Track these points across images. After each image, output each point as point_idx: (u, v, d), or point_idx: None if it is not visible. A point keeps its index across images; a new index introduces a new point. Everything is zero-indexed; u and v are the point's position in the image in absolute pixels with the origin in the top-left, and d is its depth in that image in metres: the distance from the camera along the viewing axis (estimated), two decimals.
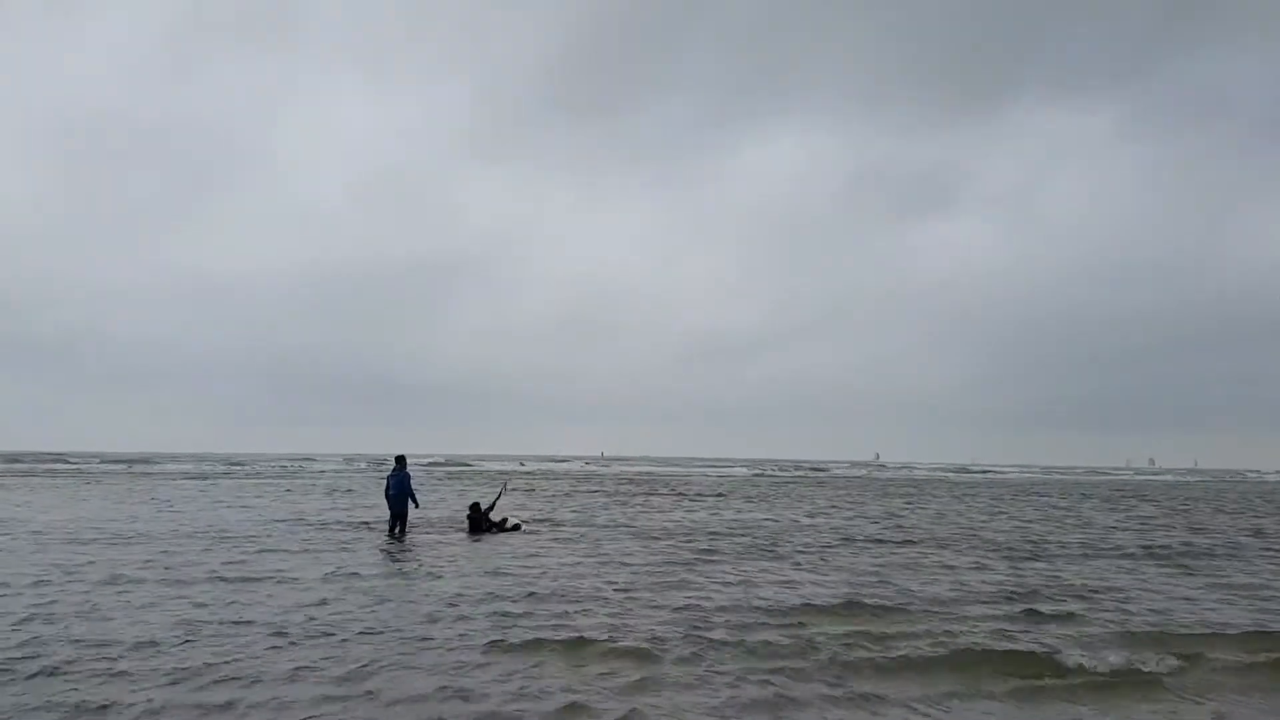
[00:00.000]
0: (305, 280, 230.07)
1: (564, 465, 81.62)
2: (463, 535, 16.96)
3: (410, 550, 14.62)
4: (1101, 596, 10.70)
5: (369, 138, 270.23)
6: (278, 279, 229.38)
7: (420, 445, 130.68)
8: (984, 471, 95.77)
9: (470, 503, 18.84)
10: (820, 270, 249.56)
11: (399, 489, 16.75)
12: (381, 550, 14.55)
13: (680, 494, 35.75)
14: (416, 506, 17.29)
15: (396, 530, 16.59)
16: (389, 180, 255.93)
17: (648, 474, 67.36)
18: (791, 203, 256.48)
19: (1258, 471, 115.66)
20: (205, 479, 44.11)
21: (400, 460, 16.88)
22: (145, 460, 73.65)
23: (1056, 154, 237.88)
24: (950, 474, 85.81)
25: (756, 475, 69.04)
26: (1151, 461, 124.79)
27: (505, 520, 17.85)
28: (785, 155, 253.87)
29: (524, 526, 18.00)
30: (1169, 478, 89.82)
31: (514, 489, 20.34)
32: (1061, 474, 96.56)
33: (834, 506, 28.71)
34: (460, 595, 9.97)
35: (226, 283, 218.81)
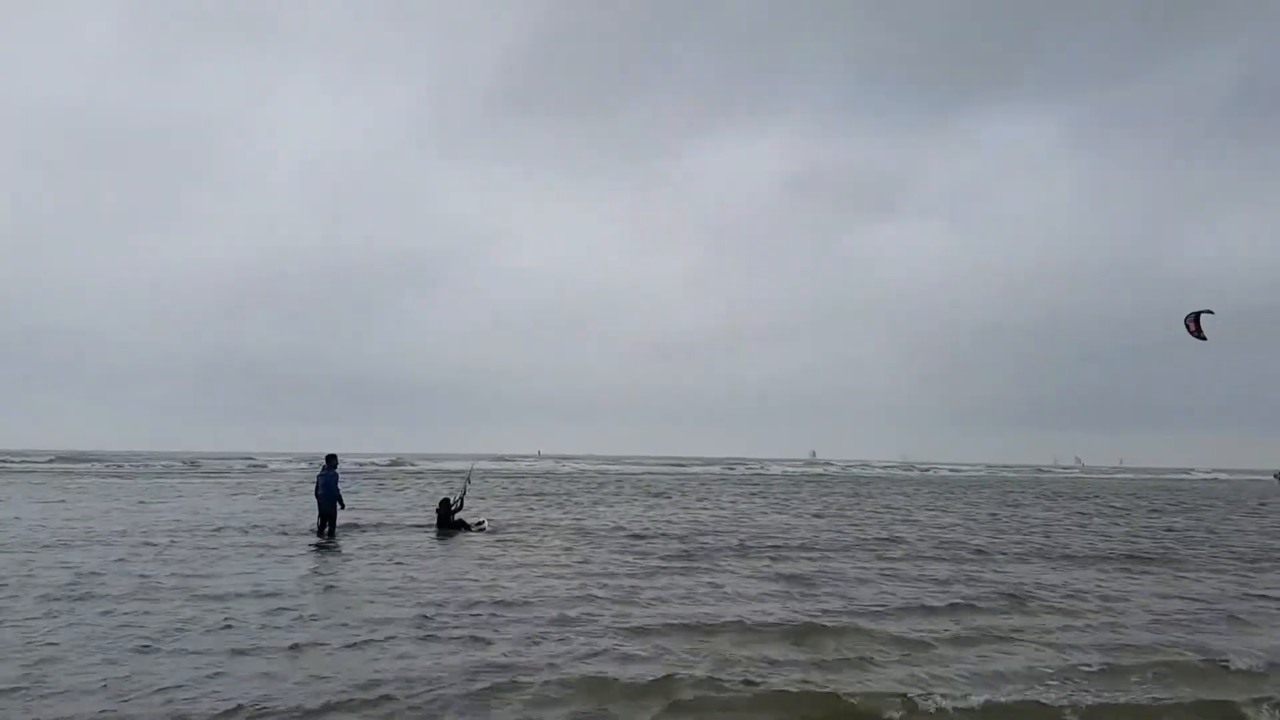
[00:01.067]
0: (267, 277, 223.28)
1: (512, 464, 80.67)
2: (392, 539, 16.20)
3: (340, 555, 13.89)
4: (1037, 605, 10.17)
5: (337, 134, 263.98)
6: (239, 275, 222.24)
7: (374, 445, 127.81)
8: (927, 469, 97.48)
9: (440, 499, 18.90)
10: (777, 272, 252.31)
11: (327, 489, 16.29)
12: (308, 558, 13.78)
13: (634, 493, 35.39)
14: (343, 508, 16.70)
15: (325, 530, 16.07)
16: (356, 177, 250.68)
17: (600, 472, 66.97)
18: (751, 205, 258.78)
19: (1190, 470, 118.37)
20: (131, 479, 42.31)
21: (331, 459, 16.43)
22: (85, 459, 70.17)
23: (1007, 160, 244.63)
24: (900, 471, 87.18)
25: (707, 473, 69.14)
26: (1078, 460, 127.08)
27: (469, 520, 17.92)
28: (746, 159, 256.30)
29: (486, 525, 17.94)
30: (1128, 476, 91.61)
31: (471, 490, 20.04)
32: (1004, 472, 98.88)
33: (778, 507, 28.55)
34: (390, 617, 9.21)
35: (185, 279, 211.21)
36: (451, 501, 18.15)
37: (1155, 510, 30.47)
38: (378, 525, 18.59)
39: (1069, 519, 24.98)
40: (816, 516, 23.82)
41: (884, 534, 18.67)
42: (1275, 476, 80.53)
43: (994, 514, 26.44)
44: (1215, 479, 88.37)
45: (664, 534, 17.73)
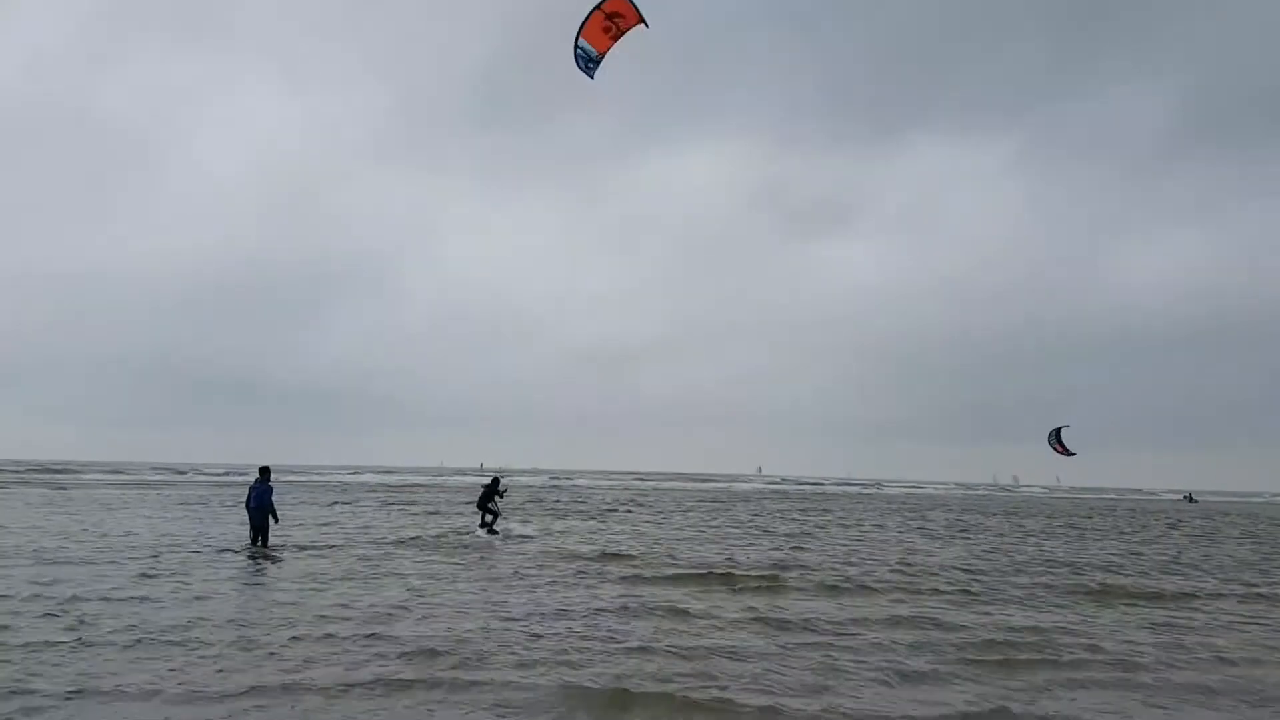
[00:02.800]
0: (193, 279, 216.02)
1: (459, 479, 78.70)
2: (320, 563, 14.72)
3: (265, 576, 12.50)
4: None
5: (276, 138, 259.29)
6: (165, 278, 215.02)
7: (305, 456, 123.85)
8: (874, 486, 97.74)
9: (492, 477, 20.62)
10: (718, 285, 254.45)
11: (259, 501, 15.72)
12: (233, 579, 12.34)
13: (581, 509, 34.19)
14: (276, 522, 16.09)
15: (258, 543, 15.60)
16: (300, 182, 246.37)
17: (553, 485, 65.56)
18: (695, 219, 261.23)
19: (1139, 490, 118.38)
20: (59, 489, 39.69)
21: (264, 472, 15.94)
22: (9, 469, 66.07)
23: (948, 183, 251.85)
24: (855, 489, 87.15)
25: (660, 488, 68.17)
26: (1015, 479, 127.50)
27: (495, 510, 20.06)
28: (692, 174, 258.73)
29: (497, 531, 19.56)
30: (1111, 497, 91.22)
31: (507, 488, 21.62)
32: (952, 490, 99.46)
33: (752, 528, 27.58)
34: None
35: (103, 279, 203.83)
36: (499, 484, 20.04)
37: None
38: (311, 544, 17.11)
39: (1038, 541, 24.36)
40: (788, 536, 22.83)
41: (881, 566, 16.02)
42: (1186, 498, 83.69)
43: (993, 539, 25.25)
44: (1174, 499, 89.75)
45: (627, 556, 16.45)
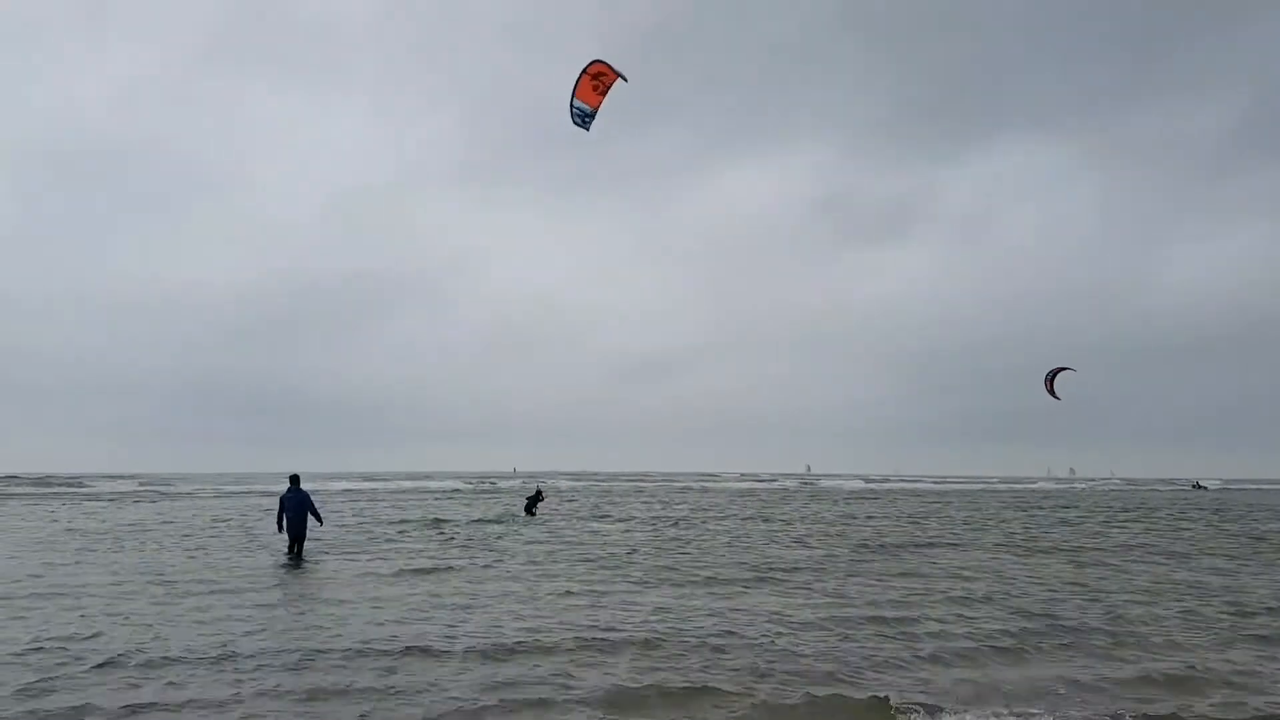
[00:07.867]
0: (255, 298, 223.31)
1: (503, 482, 77.77)
2: (352, 579, 13.82)
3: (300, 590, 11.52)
4: None
5: (348, 161, 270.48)
6: (233, 295, 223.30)
7: (351, 465, 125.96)
8: (935, 481, 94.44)
9: (536, 489, 28.82)
10: (782, 292, 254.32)
11: (300, 508, 15.36)
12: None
13: (624, 514, 32.84)
14: (320, 523, 16.07)
15: (296, 550, 15.27)
16: (364, 202, 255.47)
17: (606, 489, 64.41)
18: (759, 230, 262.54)
19: (1172, 480, 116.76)
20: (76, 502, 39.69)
21: (294, 480, 15.70)
22: (49, 481, 66.89)
23: (1011, 188, 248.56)
24: (933, 485, 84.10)
25: (712, 488, 66.56)
26: (1071, 471, 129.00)
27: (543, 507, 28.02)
28: (757, 184, 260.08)
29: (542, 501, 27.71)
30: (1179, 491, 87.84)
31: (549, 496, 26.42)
32: (1026, 484, 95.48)
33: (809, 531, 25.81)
34: None
35: (179, 298, 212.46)
36: (541, 493, 28.18)
37: None
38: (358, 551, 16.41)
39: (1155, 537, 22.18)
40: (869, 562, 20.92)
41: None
42: (1193, 485, 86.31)
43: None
44: (1227, 489, 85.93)
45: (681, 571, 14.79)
